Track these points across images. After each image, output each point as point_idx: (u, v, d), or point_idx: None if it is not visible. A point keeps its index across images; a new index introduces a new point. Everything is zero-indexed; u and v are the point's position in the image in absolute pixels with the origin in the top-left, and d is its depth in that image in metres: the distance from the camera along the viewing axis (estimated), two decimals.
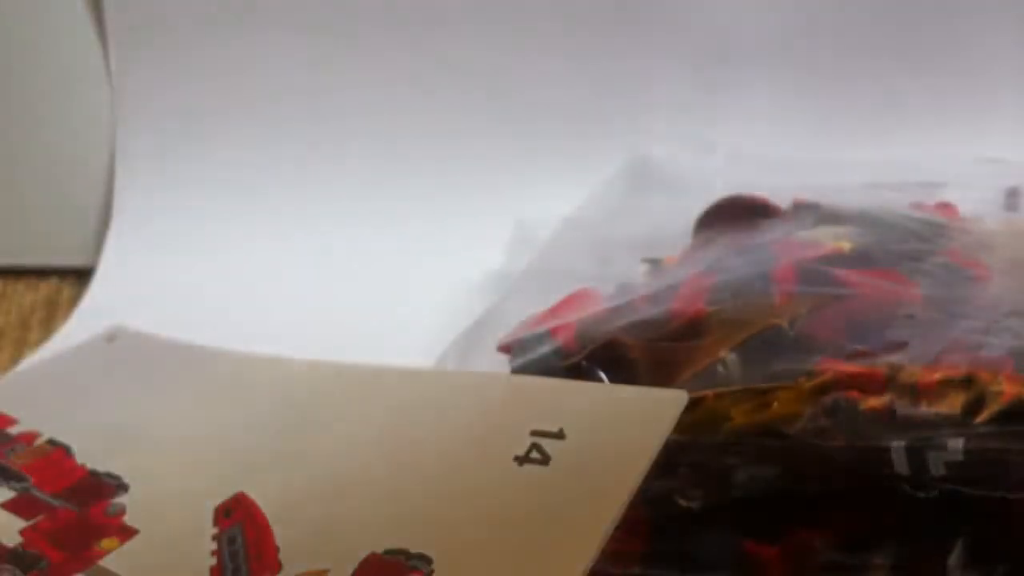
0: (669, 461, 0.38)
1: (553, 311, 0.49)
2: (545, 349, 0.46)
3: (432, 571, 0.36)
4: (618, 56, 0.67)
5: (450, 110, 0.69)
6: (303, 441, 0.43)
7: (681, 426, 0.39)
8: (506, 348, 0.48)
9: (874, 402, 0.39)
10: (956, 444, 0.37)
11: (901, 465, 0.38)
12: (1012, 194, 0.53)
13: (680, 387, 0.40)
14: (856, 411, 0.39)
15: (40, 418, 0.48)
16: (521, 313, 0.50)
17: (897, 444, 0.38)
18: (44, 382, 0.54)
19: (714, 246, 0.51)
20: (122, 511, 0.42)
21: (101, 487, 0.44)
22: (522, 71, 0.68)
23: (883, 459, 0.38)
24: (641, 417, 0.39)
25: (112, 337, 0.56)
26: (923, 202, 0.52)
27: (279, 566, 0.38)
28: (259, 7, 0.68)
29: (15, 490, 0.44)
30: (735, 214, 0.53)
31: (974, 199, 0.53)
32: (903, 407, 0.39)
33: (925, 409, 0.39)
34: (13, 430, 0.48)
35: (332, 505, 0.40)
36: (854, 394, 0.40)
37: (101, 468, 0.45)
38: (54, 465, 0.45)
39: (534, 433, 0.39)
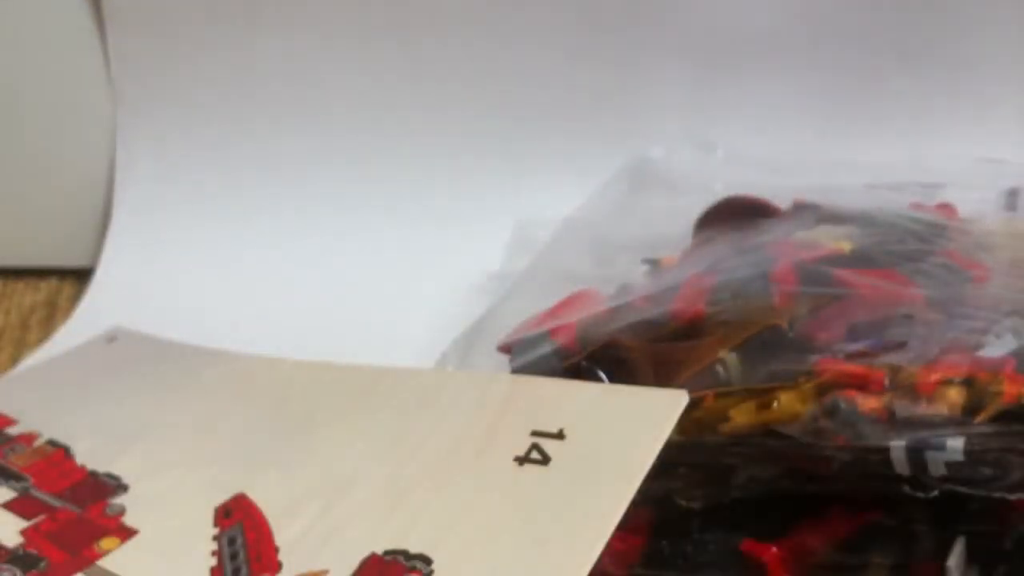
0: (669, 461, 0.38)
1: (553, 312, 0.49)
2: (545, 349, 0.46)
3: (432, 571, 0.36)
4: (618, 56, 0.67)
5: (450, 110, 0.69)
6: (303, 442, 0.44)
7: (681, 426, 0.39)
8: (506, 348, 0.48)
9: (874, 402, 0.39)
10: (956, 444, 0.37)
11: (901, 465, 0.38)
12: (1012, 194, 0.53)
13: (680, 387, 0.40)
14: (855, 411, 0.39)
15: (40, 418, 0.48)
16: (521, 314, 0.51)
17: (897, 444, 0.38)
18: (44, 382, 0.54)
19: (714, 246, 0.51)
20: (122, 511, 0.42)
21: (101, 487, 0.44)
22: (522, 71, 0.68)
23: (883, 459, 0.38)
24: (642, 417, 0.39)
25: (112, 338, 0.56)
26: (923, 203, 0.52)
27: (279, 566, 0.38)
28: (259, 6, 0.68)
29: (15, 490, 0.44)
30: (735, 214, 0.53)
31: (974, 200, 0.53)
32: (902, 407, 0.39)
33: (924, 409, 0.39)
34: (13, 430, 0.48)
35: (332, 505, 0.40)
36: (853, 394, 0.40)
37: (101, 469, 0.45)
38: (54, 466, 0.45)
39: (534, 433, 0.39)
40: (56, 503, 0.43)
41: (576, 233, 0.60)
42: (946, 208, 0.52)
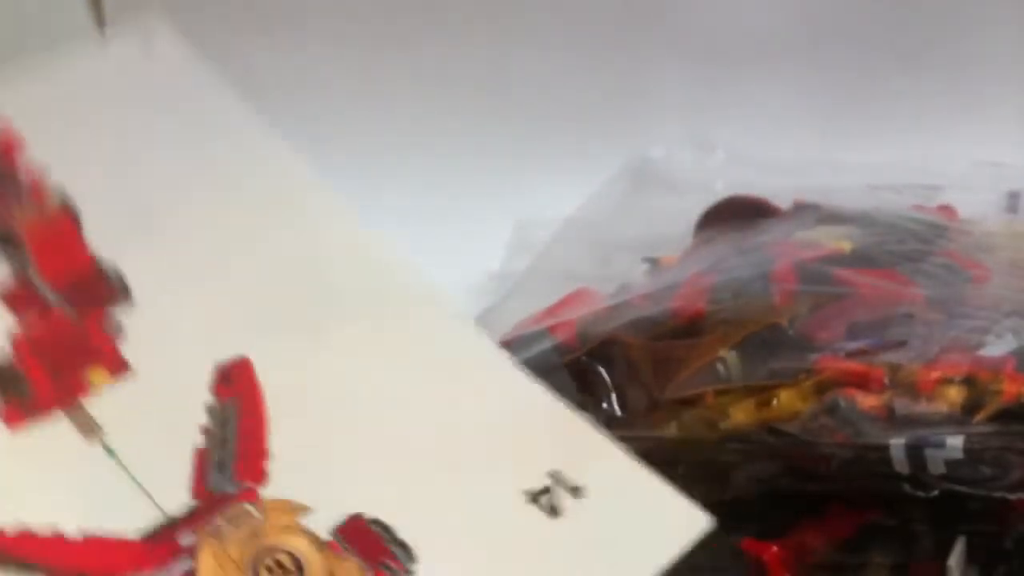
0: (669, 460, 0.38)
1: (552, 310, 0.49)
2: (545, 345, 0.46)
3: (412, 572, 0.35)
4: (618, 56, 0.67)
5: (450, 111, 0.69)
6: (320, 320, 0.40)
7: (681, 423, 0.39)
8: (506, 344, 0.48)
9: (873, 400, 0.39)
10: (955, 442, 0.38)
11: (901, 463, 0.38)
12: (1012, 197, 0.53)
13: (680, 385, 0.40)
14: (855, 409, 0.39)
15: (49, 151, 0.41)
16: (521, 313, 0.51)
17: (896, 442, 0.38)
18: (60, 98, 0.45)
19: (714, 246, 0.51)
20: (120, 331, 0.39)
21: (104, 288, 0.39)
22: (522, 71, 0.68)
23: (882, 457, 0.38)
24: (662, 523, 0.38)
25: (148, 45, 0.49)
26: (924, 204, 0.53)
27: (264, 476, 0.36)
28: (260, 8, 0.68)
29: (12, 268, 0.39)
30: (735, 214, 0.53)
31: (974, 201, 0.53)
32: (902, 405, 0.39)
33: (924, 407, 0.39)
34: (21, 174, 0.41)
35: (332, 448, 0.38)
36: (853, 392, 0.40)
37: (108, 259, 0.40)
38: (60, 240, 0.40)
39: (552, 475, 0.38)
40: (53, 299, 0.39)
41: (576, 233, 0.60)
42: (946, 210, 0.53)
